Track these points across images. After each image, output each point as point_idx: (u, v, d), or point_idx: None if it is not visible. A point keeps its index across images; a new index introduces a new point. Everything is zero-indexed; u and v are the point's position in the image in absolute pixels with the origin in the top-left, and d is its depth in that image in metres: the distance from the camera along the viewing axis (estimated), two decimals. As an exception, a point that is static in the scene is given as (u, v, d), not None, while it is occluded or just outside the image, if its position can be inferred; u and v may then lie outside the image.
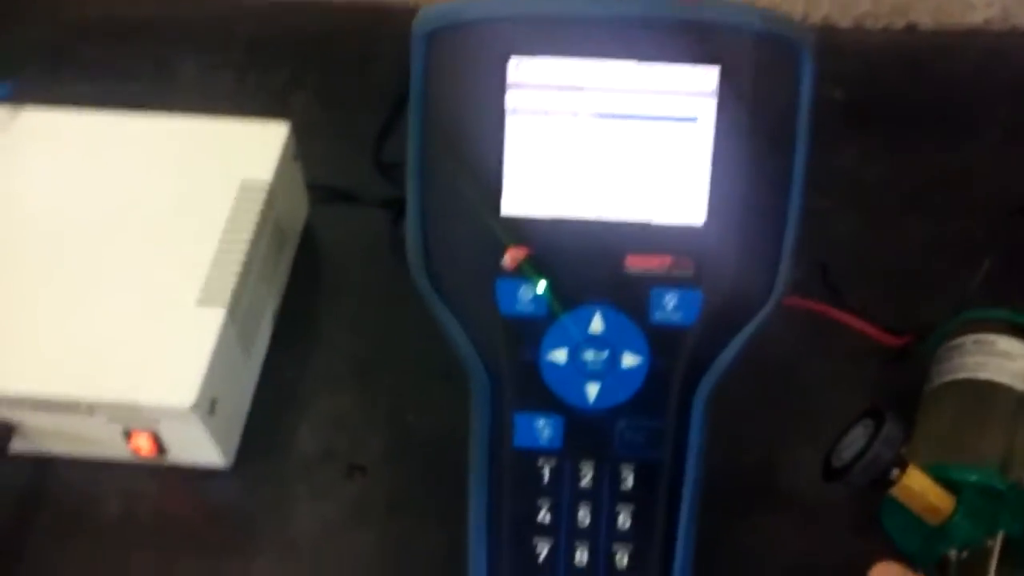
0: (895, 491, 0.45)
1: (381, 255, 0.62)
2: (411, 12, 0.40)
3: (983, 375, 0.50)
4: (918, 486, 0.45)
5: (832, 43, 0.74)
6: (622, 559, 0.43)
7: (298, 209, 0.62)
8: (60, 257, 0.52)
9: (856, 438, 0.45)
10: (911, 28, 0.77)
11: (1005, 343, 0.51)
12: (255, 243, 0.54)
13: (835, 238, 0.63)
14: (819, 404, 0.55)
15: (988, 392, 0.50)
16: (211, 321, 0.50)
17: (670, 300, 0.41)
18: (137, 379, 0.48)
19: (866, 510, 0.51)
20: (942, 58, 0.75)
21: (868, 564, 0.49)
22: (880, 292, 0.60)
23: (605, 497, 0.43)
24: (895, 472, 0.44)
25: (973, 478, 0.46)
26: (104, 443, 0.50)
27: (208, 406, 0.48)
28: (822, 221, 0.56)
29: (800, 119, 0.40)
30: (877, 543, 0.50)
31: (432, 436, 0.54)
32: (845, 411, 0.54)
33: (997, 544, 0.44)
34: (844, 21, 0.77)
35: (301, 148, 0.61)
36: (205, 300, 0.51)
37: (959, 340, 0.52)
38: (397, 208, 0.64)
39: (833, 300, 0.58)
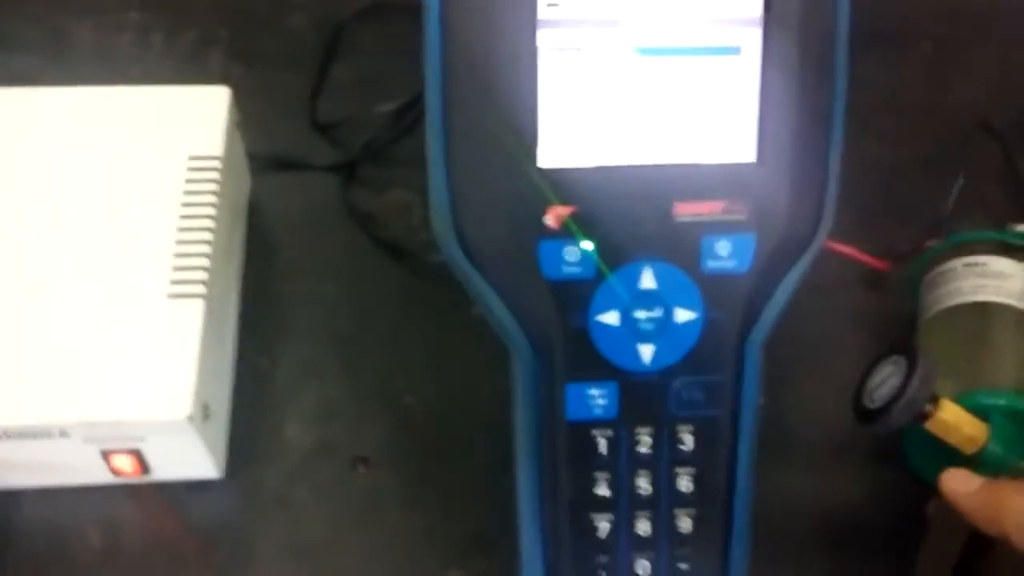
0: (930, 425, 0.44)
1: (335, 225, 0.57)
2: None
3: (981, 297, 0.50)
4: (952, 418, 0.44)
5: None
6: (685, 524, 0.41)
7: (244, 182, 0.56)
8: (5, 263, 0.45)
9: (888, 377, 0.44)
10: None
11: (997, 263, 0.51)
12: (216, 223, 0.48)
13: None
14: (809, 336, 0.54)
15: (989, 315, 0.49)
16: (189, 316, 0.44)
17: (723, 247, 0.38)
18: (117, 392, 0.42)
19: (880, 443, 0.50)
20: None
21: (894, 495, 0.49)
22: (850, 218, 0.59)
23: (664, 462, 0.40)
24: (929, 407, 0.43)
25: (1001, 402, 0.45)
26: (77, 468, 0.44)
27: (202, 413, 0.43)
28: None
29: (839, 45, 0.38)
30: (899, 472, 0.49)
31: (435, 414, 0.50)
32: (840, 342, 0.54)
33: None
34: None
35: (236, 110, 0.55)
36: (177, 292, 0.45)
37: (949, 264, 0.52)
38: (346, 173, 0.59)
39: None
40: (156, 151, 0.49)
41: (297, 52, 0.65)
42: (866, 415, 0.44)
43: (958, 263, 0.52)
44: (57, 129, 0.50)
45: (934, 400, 0.43)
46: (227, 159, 0.51)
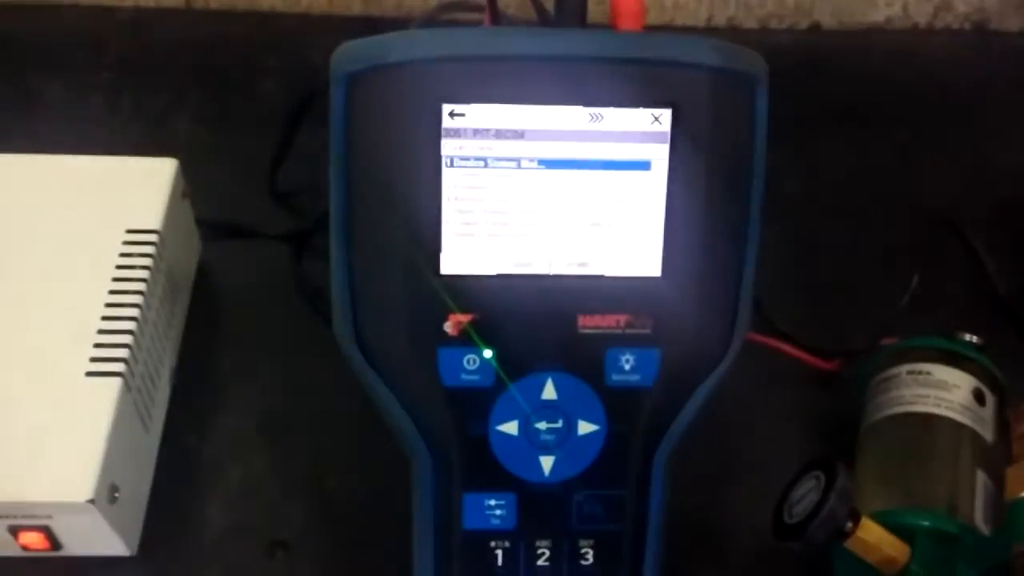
0: (849, 544, 0.43)
1: (284, 296, 0.57)
2: (299, 19, 0.36)
3: (922, 408, 0.49)
4: (873, 538, 0.43)
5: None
6: (585, 642, 0.40)
7: (190, 252, 0.56)
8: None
9: (807, 492, 0.43)
10: (815, 28, 0.76)
11: (942, 372, 0.50)
12: (147, 298, 0.48)
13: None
14: (754, 435, 0.53)
15: (929, 426, 0.48)
16: (104, 395, 0.44)
17: (627, 360, 0.38)
18: (23, 470, 0.42)
19: (811, 555, 0.48)
20: (847, 58, 0.74)
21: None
22: (804, 308, 0.59)
23: (564, 576, 0.39)
24: (849, 525, 0.42)
25: (925, 523, 0.44)
26: (-14, 541, 0.44)
27: (108, 496, 0.43)
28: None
29: (756, 158, 0.38)
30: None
31: (358, 501, 0.49)
32: (782, 442, 0.53)
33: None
34: (749, 22, 0.75)
35: (186, 177, 0.55)
36: (96, 370, 0.45)
37: (894, 370, 0.51)
38: (298, 242, 0.59)
39: (759, 321, 0.56)
40: (94, 223, 0.50)
41: (265, 118, 0.65)
42: (784, 531, 0.43)
43: (903, 369, 0.50)
44: (4, 197, 0.50)
45: (855, 518, 0.42)
46: (167, 232, 0.51)
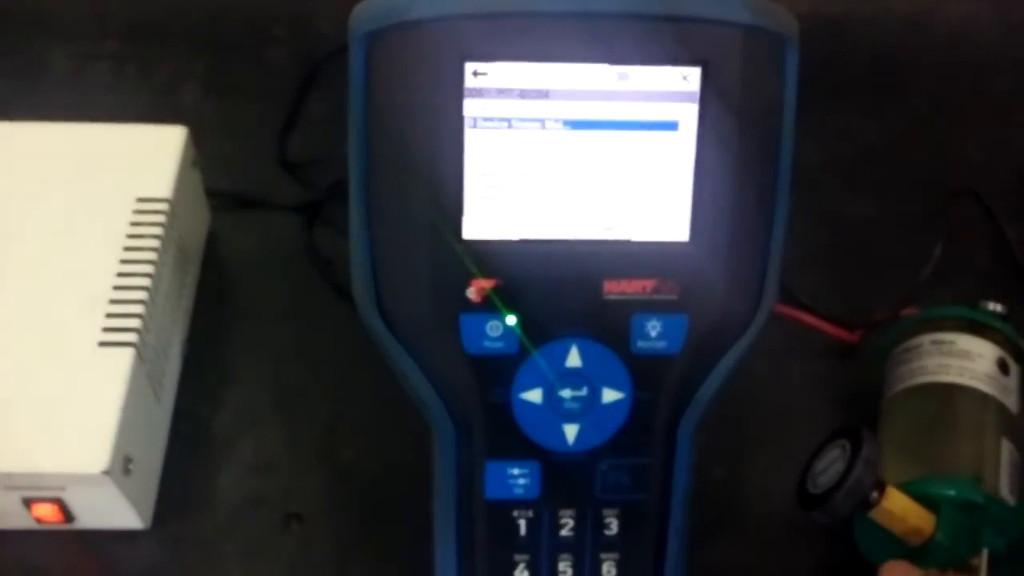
0: (874, 514, 0.42)
1: (295, 267, 0.56)
2: None
3: (945, 378, 0.48)
4: (898, 508, 0.42)
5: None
6: (608, 612, 0.39)
7: (199, 222, 0.55)
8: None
9: (832, 462, 0.42)
10: (831, -7, 0.74)
11: (965, 342, 0.49)
12: (158, 268, 0.47)
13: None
14: (776, 407, 0.53)
15: (953, 396, 0.47)
16: (117, 365, 0.43)
17: (653, 327, 0.37)
18: (37, 442, 0.41)
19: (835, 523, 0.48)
20: (863, 25, 0.73)
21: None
22: (826, 279, 0.58)
23: (588, 547, 0.39)
24: (874, 495, 0.41)
25: (951, 493, 0.43)
26: (0, 513, 0.43)
27: (122, 467, 0.42)
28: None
29: (785, 120, 0.37)
30: (851, 554, 0.47)
31: (374, 472, 0.49)
32: (804, 413, 0.52)
33: (983, 564, 0.42)
34: (764, -11, 0.73)
35: (195, 147, 0.54)
36: (108, 340, 0.44)
37: (916, 340, 0.50)
38: (310, 213, 0.58)
39: (781, 293, 0.55)
40: (104, 191, 0.49)
41: (273, 87, 0.64)
42: (809, 501, 0.42)
43: (926, 339, 0.50)
44: (6, 165, 0.50)
45: (880, 488, 0.42)
46: (177, 201, 0.50)
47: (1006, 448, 0.46)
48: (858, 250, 0.60)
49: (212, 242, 0.57)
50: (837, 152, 0.64)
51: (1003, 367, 0.48)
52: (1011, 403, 0.47)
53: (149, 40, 0.66)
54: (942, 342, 0.49)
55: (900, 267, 0.56)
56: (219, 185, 0.57)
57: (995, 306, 0.50)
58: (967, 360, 0.48)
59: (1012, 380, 0.48)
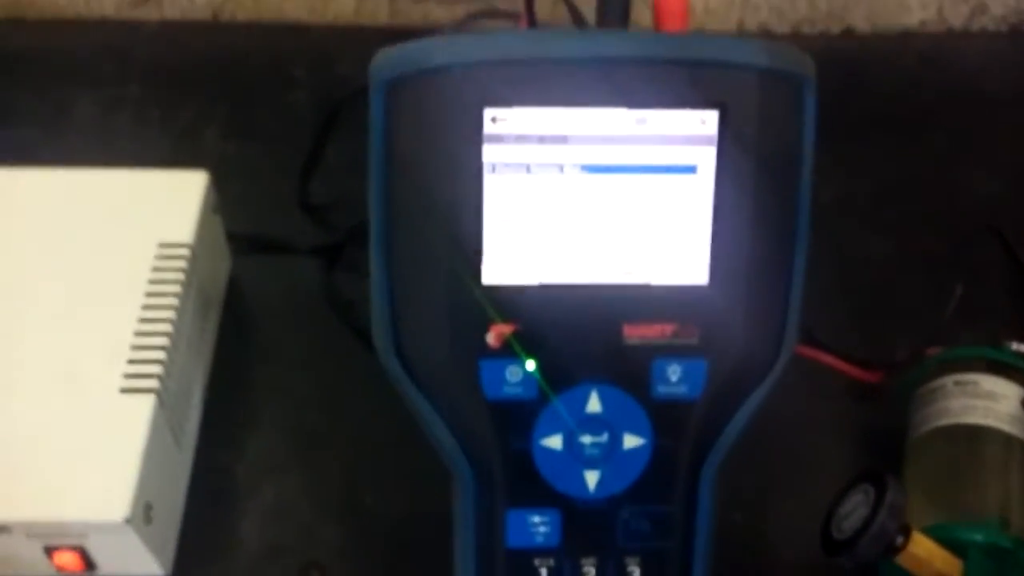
0: (900, 559, 0.41)
1: (316, 310, 0.56)
2: (326, 29, 0.35)
3: (970, 420, 0.47)
4: (924, 553, 0.42)
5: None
6: (632, 662, 0.38)
7: (220, 266, 0.56)
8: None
9: (856, 507, 0.41)
10: (848, 32, 0.74)
11: (989, 383, 0.48)
12: (180, 313, 0.47)
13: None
14: (796, 450, 0.52)
15: (977, 438, 0.47)
16: (139, 412, 0.43)
17: (674, 372, 0.37)
18: (58, 490, 0.41)
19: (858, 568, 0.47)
20: (881, 63, 0.73)
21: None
22: (845, 319, 0.58)
23: (611, 595, 0.38)
24: (900, 539, 0.41)
25: (978, 538, 0.43)
26: (22, 561, 0.43)
27: (143, 515, 0.42)
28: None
29: (804, 161, 0.37)
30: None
31: (396, 519, 0.48)
32: (826, 456, 0.52)
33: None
34: (781, 27, 0.74)
35: (215, 191, 0.54)
36: (130, 387, 0.44)
37: (939, 381, 0.49)
38: (330, 256, 0.58)
39: (802, 334, 0.55)
40: (126, 237, 0.49)
41: (294, 130, 0.64)
42: (833, 547, 0.41)
43: (949, 380, 0.49)
44: (29, 211, 0.50)
45: (905, 532, 0.41)
46: (199, 246, 0.50)
47: (1033, 491, 0.45)
48: (878, 290, 0.59)
49: (233, 286, 0.57)
50: (856, 191, 0.64)
51: (1028, 407, 0.48)
52: (1036, 444, 0.47)
53: (171, 86, 0.67)
54: (965, 383, 0.49)
55: (921, 307, 0.56)
56: (240, 228, 0.58)
57: (1019, 346, 0.50)
58: (991, 401, 0.48)
59: (1037, 420, 0.48)
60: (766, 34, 0.74)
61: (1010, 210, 0.62)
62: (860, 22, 0.74)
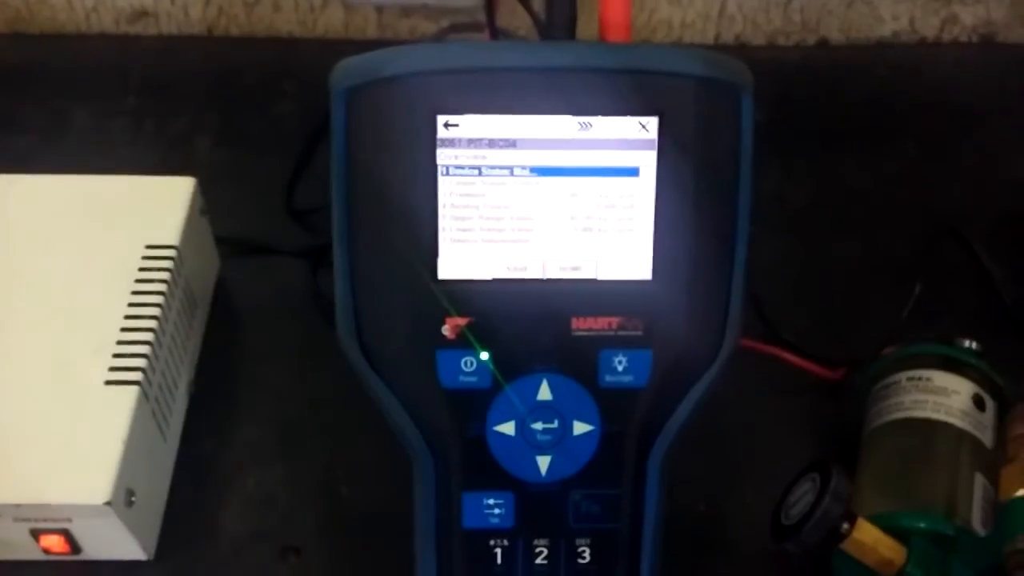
0: (846, 545, 0.43)
1: (300, 310, 0.59)
2: (316, 43, 0.37)
3: (921, 414, 0.49)
4: (869, 539, 0.43)
5: (747, 62, 0.73)
6: (582, 639, 0.40)
7: (208, 267, 0.58)
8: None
9: (803, 494, 0.43)
10: (822, 43, 0.77)
11: (941, 378, 0.50)
12: (165, 312, 0.50)
13: (762, 265, 0.62)
14: (760, 444, 0.54)
15: (928, 431, 0.48)
16: (122, 402, 0.46)
17: (620, 362, 0.39)
18: (44, 475, 0.44)
19: (813, 557, 0.49)
20: (855, 73, 0.75)
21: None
22: (812, 319, 0.59)
23: (562, 575, 0.40)
24: (845, 526, 0.43)
25: (922, 525, 0.45)
26: (8, 544, 0.46)
27: (124, 499, 0.44)
28: (749, 248, 0.55)
29: (742, 164, 0.39)
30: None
31: (370, 508, 0.51)
32: (787, 450, 0.54)
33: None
34: (757, 39, 0.76)
35: (207, 197, 0.57)
36: (114, 379, 0.47)
37: (894, 377, 0.51)
38: (315, 258, 0.61)
39: (766, 332, 0.57)
40: (115, 239, 0.51)
41: (282, 140, 0.67)
42: (781, 532, 0.43)
43: (903, 376, 0.51)
44: (25, 215, 0.53)
45: (850, 519, 0.43)
46: (184, 248, 0.52)
47: (979, 482, 0.47)
48: (844, 290, 0.61)
49: (222, 286, 0.60)
50: (825, 194, 0.66)
51: (979, 403, 0.50)
52: (986, 439, 0.49)
53: (166, 97, 0.69)
54: (919, 378, 0.50)
55: (884, 307, 0.58)
56: (230, 232, 0.60)
57: (971, 343, 0.51)
58: (943, 396, 0.49)
59: (988, 416, 0.49)
60: (742, 47, 0.76)
61: (974, 215, 0.64)
62: (834, 33, 0.76)
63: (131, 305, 0.49)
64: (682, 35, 0.75)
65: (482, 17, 0.69)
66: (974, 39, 0.76)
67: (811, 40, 0.76)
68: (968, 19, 0.75)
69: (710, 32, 0.75)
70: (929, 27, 0.76)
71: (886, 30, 0.76)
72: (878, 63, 0.75)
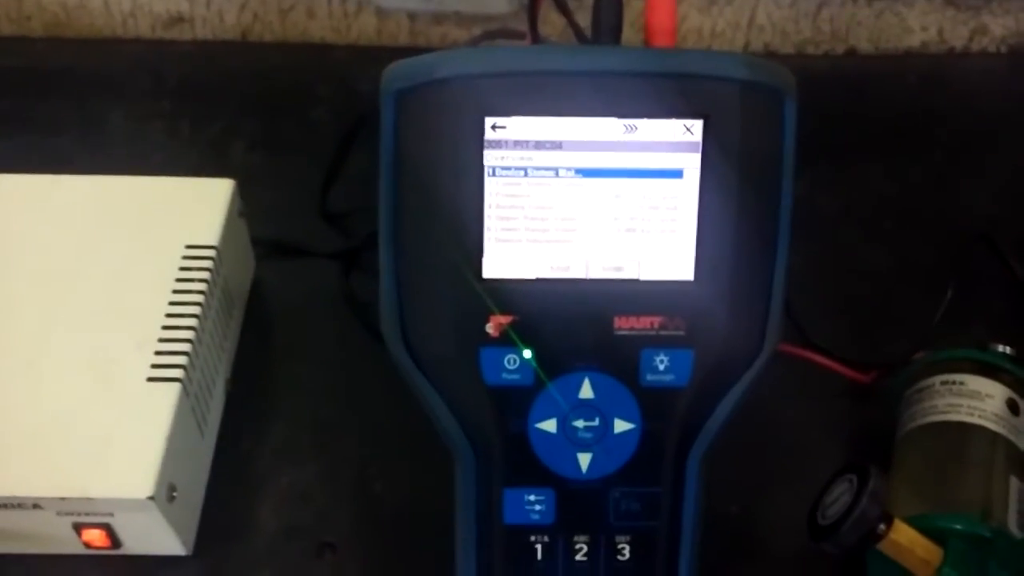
0: (882, 546, 0.43)
1: (334, 311, 0.59)
2: (350, 49, 0.38)
3: (955, 417, 0.49)
4: (905, 540, 0.44)
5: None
6: (621, 634, 0.41)
7: (245, 268, 0.59)
8: (-6, 337, 0.49)
9: (840, 494, 0.44)
10: (851, 53, 0.77)
11: (974, 383, 0.50)
12: (204, 310, 0.50)
13: (793, 271, 0.62)
14: (793, 447, 0.54)
15: (962, 435, 0.49)
16: (164, 399, 0.46)
17: (661, 361, 0.39)
18: (87, 469, 0.44)
19: (848, 559, 0.49)
20: (883, 83, 0.75)
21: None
22: (843, 325, 0.60)
23: (602, 571, 0.41)
24: (882, 527, 0.43)
25: (959, 527, 0.45)
26: (52, 539, 0.46)
27: (166, 494, 0.45)
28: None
29: (785, 167, 0.39)
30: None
31: (404, 504, 0.51)
32: (819, 453, 0.54)
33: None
34: (786, 48, 0.76)
35: (242, 200, 0.57)
36: (156, 376, 0.47)
37: (927, 381, 0.52)
38: (347, 260, 0.61)
39: (797, 337, 0.57)
40: (156, 239, 0.52)
41: (316, 143, 0.68)
42: (818, 532, 0.44)
43: (936, 380, 0.51)
44: (68, 215, 0.53)
45: (887, 520, 0.43)
46: (223, 248, 0.53)
47: (1015, 485, 0.47)
48: (875, 296, 0.61)
49: (257, 287, 0.60)
50: (854, 201, 0.67)
51: (1013, 407, 0.50)
52: (1021, 442, 0.49)
53: (201, 101, 0.70)
54: (952, 382, 0.51)
55: (915, 312, 0.58)
56: (265, 234, 0.61)
57: (1004, 348, 0.52)
58: (977, 400, 0.50)
59: (1022, 420, 0.50)
60: (771, 55, 0.76)
61: (1004, 222, 0.64)
62: (863, 43, 0.76)
63: (172, 303, 0.50)
64: (712, 44, 0.76)
65: (513, 25, 0.70)
66: (1003, 49, 0.77)
67: (840, 49, 0.77)
68: (997, 29, 0.76)
69: (739, 41, 0.76)
70: (958, 37, 0.76)
71: (915, 40, 0.76)
72: (907, 73, 0.76)
